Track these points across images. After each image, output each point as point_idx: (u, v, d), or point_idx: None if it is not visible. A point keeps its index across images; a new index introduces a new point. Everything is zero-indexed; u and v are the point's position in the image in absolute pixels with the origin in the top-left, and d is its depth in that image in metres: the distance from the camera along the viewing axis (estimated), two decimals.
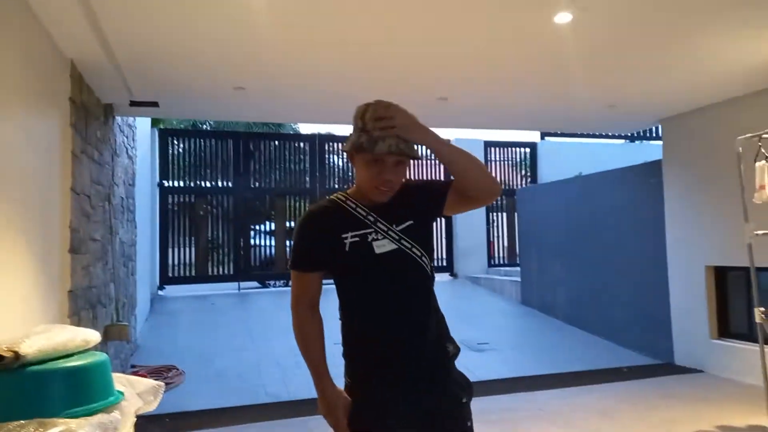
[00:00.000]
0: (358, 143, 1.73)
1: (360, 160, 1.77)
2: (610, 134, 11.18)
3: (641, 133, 11.64)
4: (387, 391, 1.77)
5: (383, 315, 1.79)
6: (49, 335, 1.97)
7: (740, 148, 4.00)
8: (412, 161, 1.82)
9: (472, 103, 5.64)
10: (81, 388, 1.89)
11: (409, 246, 1.79)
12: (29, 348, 1.83)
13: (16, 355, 1.79)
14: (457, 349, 1.90)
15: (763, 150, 3.84)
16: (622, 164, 7.58)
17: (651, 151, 10.09)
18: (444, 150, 1.81)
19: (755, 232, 3.91)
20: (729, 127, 5.29)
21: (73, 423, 1.72)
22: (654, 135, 11.37)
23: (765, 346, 3.89)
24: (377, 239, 1.78)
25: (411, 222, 1.82)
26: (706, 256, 5.88)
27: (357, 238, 1.77)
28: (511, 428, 4.25)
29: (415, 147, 1.79)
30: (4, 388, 1.80)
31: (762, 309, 3.88)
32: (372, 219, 1.80)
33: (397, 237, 1.79)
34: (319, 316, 1.89)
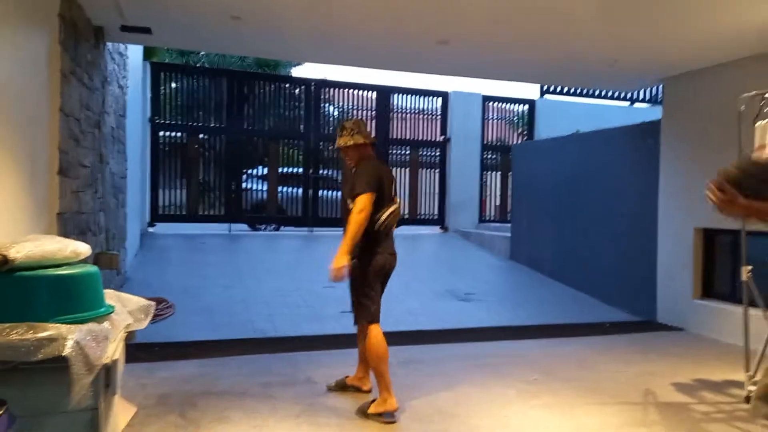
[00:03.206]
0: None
1: None
2: (610, 95, 11.06)
3: (643, 97, 11.54)
4: None
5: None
6: (37, 243, 1.95)
7: (742, 107, 3.96)
8: (349, 146, 3.59)
9: (473, 48, 5.50)
10: (71, 296, 1.87)
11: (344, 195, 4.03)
12: (17, 253, 1.80)
13: (4, 259, 1.77)
14: (356, 252, 3.38)
15: (766, 110, 3.80)
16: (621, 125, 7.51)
17: (650, 115, 10.00)
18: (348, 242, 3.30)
19: None
20: (731, 88, 5.19)
21: (63, 328, 1.71)
22: (655, 100, 11.28)
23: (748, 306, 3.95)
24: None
25: (346, 185, 3.76)
26: (696, 218, 5.91)
27: None
28: (491, 372, 4.34)
29: (346, 137, 3.59)
30: None
31: (749, 267, 3.92)
32: None
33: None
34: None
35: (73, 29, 4.11)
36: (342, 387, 3.77)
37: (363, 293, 3.43)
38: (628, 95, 11.11)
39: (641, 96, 11.47)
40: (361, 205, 3.29)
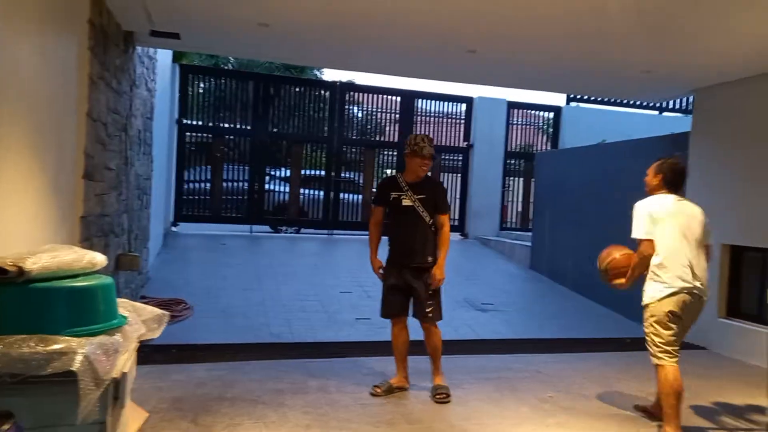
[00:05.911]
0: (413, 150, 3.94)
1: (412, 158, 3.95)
2: (638, 104, 10.85)
3: (671, 106, 11.30)
4: (395, 261, 4.02)
5: (399, 233, 4.00)
6: (54, 254, 1.98)
7: None
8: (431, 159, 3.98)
9: (501, 58, 5.46)
10: (84, 309, 1.91)
11: (418, 205, 3.92)
12: (33, 264, 1.84)
13: (20, 270, 1.80)
14: (434, 259, 3.95)
15: None
16: (649, 135, 7.37)
17: (679, 125, 9.79)
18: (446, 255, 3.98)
19: None
20: (764, 101, 5.09)
21: (74, 341, 1.74)
22: (683, 108, 11.02)
23: None
24: (404, 198, 3.95)
25: (423, 196, 3.94)
26: (723, 234, 5.75)
27: (396, 195, 3.98)
28: (507, 386, 4.29)
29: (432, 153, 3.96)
30: (8, 302, 1.82)
31: None
32: (406, 188, 3.97)
33: (413, 199, 3.93)
34: (380, 229, 4.13)
35: (103, 34, 4.19)
36: (389, 391, 4.00)
37: (439, 296, 3.98)
38: (658, 104, 10.89)
39: (671, 105, 11.24)
40: (448, 222, 4.02)
